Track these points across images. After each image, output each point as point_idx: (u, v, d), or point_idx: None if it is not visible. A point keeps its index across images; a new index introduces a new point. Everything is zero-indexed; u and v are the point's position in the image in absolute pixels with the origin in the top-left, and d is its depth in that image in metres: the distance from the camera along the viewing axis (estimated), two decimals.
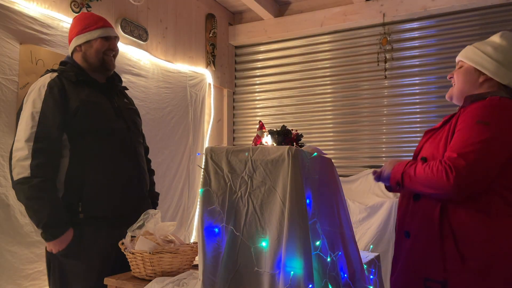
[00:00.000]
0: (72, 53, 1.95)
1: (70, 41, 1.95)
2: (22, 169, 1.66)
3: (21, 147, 1.68)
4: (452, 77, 1.66)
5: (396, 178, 1.52)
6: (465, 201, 1.40)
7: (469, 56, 1.60)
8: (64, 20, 2.52)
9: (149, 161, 2.20)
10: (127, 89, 2.18)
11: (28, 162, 1.66)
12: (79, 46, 1.91)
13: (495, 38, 1.59)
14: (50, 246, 1.71)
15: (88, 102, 1.82)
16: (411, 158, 1.66)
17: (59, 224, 1.69)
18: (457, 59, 1.67)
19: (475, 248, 1.38)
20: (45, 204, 1.67)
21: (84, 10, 2.68)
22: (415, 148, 1.67)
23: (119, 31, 2.95)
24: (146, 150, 2.21)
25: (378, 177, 1.65)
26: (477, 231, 1.39)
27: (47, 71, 1.89)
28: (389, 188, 1.74)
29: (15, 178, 1.68)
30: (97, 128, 1.82)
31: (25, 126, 1.70)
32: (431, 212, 1.46)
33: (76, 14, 2.61)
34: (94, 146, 1.81)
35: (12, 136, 2.17)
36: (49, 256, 1.78)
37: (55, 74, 1.83)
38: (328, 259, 1.30)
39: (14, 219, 2.15)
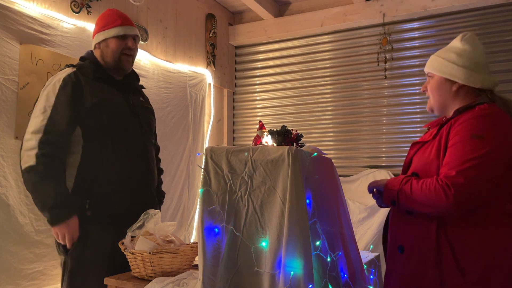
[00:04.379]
0: (94, 49, 1.98)
1: (93, 37, 1.98)
2: (29, 158, 1.71)
3: (30, 138, 1.73)
4: (425, 90, 1.64)
5: (392, 197, 1.49)
6: (461, 216, 1.38)
7: (435, 67, 1.58)
8: (64, 20, 2.52)
9: (159, 160, 2.22)
10: (144, 87, 2.19)
11: (35, 152, 1.70)
12: (98, 43, 1.94)
13: (456, 43, 1.57)
14: (56, 231, 1.72)
15: (104, 99, 1.85)
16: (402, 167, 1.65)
17: (64, 207, 1.71)
18: (425, 70, 1.64)
19: (474, 261, 1.36)
20: (51, 188, 1.69)
21: (84, 10, 2.68)
22: None
23: None
24: (157, 149, 2.23)
25: (372, 192, 1.63)
26: (475, 245, 1.38)
27: (67, 66, 1.91)
28: (380, 204, 1.72)
29: (23, 167, 1.72)
30: (110, 126, 1.84)
31: (36, 119, 1.75)
32: (427, 227, 1.44)
33: (76, 14, 2.62)
34: (106, 144, 1.83)
35: (12, 136, 2.17)
36: (64, 257, 1.78)
37: (73, 70, 1.85)
38: (328, 259, 1.30)
39: (14, 219, 2.15)
